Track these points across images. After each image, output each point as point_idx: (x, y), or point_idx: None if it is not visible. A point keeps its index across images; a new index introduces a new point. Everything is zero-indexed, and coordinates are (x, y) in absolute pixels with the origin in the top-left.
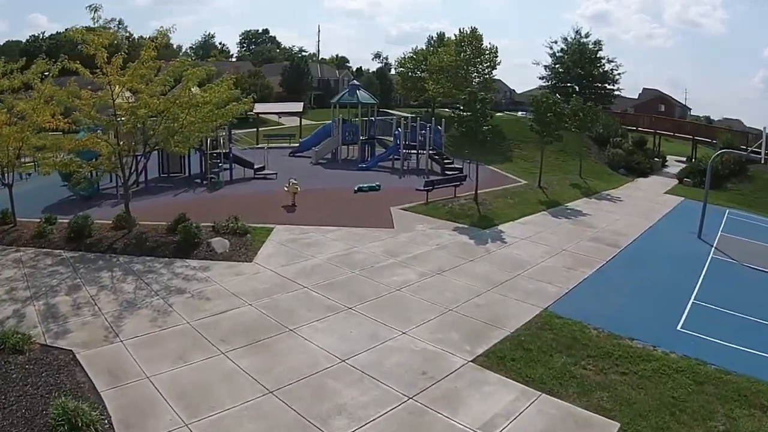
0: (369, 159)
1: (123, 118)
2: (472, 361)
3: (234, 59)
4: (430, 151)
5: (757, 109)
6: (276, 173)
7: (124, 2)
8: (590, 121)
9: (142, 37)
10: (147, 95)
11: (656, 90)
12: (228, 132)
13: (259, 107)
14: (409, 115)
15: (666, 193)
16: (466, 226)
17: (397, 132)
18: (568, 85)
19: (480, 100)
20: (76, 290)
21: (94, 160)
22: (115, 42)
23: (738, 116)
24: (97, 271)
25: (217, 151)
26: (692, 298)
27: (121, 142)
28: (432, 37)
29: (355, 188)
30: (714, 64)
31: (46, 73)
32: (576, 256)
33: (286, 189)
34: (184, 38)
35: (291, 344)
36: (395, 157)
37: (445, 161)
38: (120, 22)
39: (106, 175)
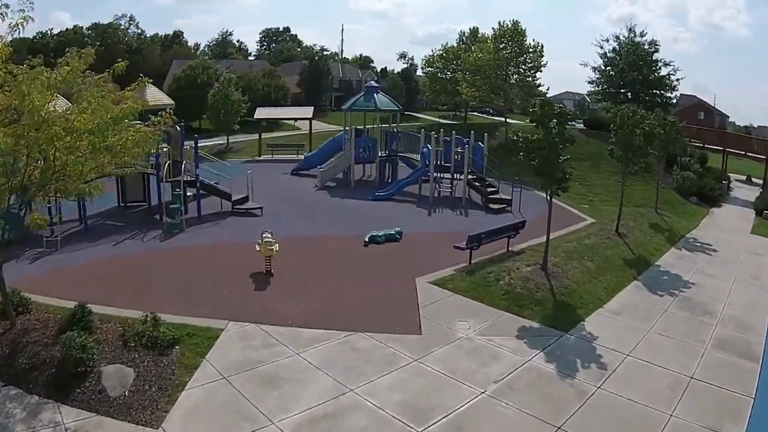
0: (389, 181)
1: None
2: None
3: (252, 58)
4: (470, 175)
5: None
6: (261, 207)
7: (146, 0)
8: (673, 141)
9: (156, 35)
10: None
11: (693, 96)
12: (194, 149)
13: (261, 112)
14: (440, 120)
15: (753, 233)
16: (536, 324)
17: (425, 149)
18: (622, 91)
19: (558, 114)
20: None
21: None
22: None
23: (761, 122)
24: None
25: (179, 178)
26: None
27: None
28: (464, 33)
29: (366, 238)
30: (737, 68)
31: None
32: (712, 394)
33: (257, 249)
34: (207, 38)
35: None
36: (424, 178)
37: (488, 188)
38: (131, 18)
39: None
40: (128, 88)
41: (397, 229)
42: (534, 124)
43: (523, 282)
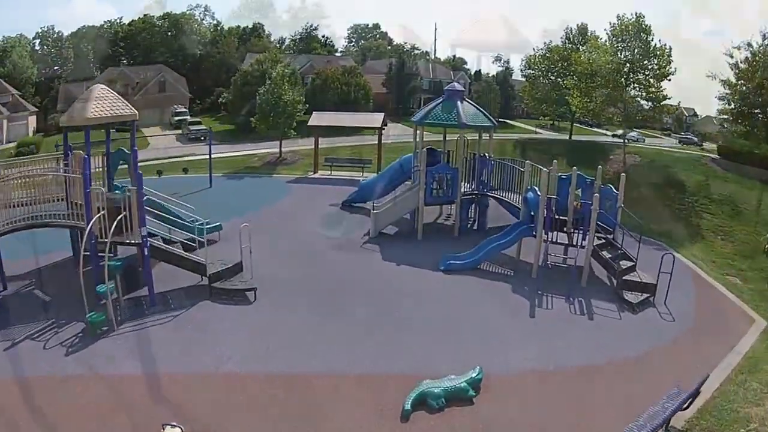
0: (475, 227)
1: None
2: None
3: (338, 54)
4: (597, 239)
5: None
6: (254, 289)
7: None
8: None
9: (237, 27)
10: None
11: None
12: (137, 184)
13: (317, 117)
14: (538, 129)
15: None
16: None
17: (530, 194)
18: (755, 111)
19: None
20: None
21: None
22: None
23: None
24: None
25: (108, 241)
26: None
27: None
28: (570, 30)
29: (407, 403)
30: None
31: None
32: None
33: None
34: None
35: None
36: (528, 232)
37: (622, 260)
38: (206, 8)
39: None
40: None
41: (473, 374)
42: None
43: None
